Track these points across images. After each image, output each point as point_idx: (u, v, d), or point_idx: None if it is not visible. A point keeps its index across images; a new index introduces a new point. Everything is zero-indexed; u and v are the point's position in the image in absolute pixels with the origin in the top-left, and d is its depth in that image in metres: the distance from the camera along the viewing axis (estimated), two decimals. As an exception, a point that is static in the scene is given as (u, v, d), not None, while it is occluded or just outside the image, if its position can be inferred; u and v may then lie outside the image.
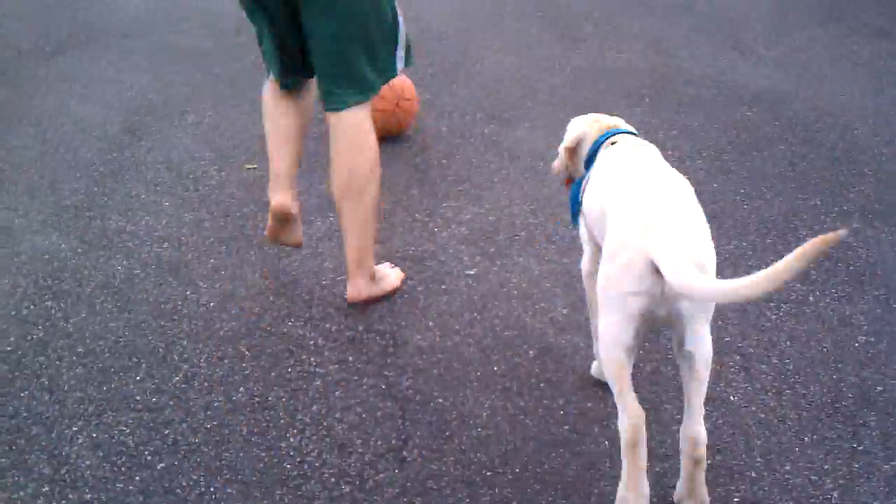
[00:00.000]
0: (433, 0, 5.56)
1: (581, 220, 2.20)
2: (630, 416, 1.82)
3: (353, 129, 2.58)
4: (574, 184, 2.25)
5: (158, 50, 4.96)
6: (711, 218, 1.94)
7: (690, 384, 1.83)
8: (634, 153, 2.09)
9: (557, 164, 2.38)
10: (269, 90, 2.72)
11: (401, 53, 2.67)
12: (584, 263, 2.25)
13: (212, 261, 2.97)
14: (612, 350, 1.83)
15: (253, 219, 3.20)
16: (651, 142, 2.15)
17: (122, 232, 3.15)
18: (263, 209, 2.99)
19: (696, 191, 1.88)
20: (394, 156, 3.56)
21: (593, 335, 2.26)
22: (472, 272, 2.87)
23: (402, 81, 3.58)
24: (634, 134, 2.23)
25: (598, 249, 2.04)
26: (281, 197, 2.68)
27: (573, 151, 2.30)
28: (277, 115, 2.70)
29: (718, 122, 3.79)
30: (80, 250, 3.04)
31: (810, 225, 3.04)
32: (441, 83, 4.37)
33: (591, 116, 2.31)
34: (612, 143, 2.16)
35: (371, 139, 2.61)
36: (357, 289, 2.69)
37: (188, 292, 2.80)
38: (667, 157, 2.09)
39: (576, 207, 2.21)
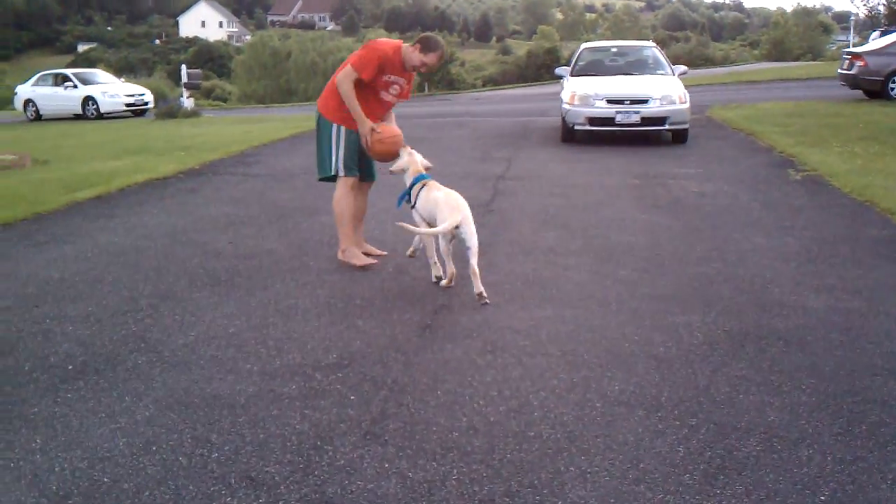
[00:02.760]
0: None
1: (414, 212, 5.64)
2: (448, 268, 5.52)
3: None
4: (403, 192, 5.75)
5: (160, 391, 3.93)
6: None
7: (470, 256, 5.20)
8: (438, 186, 5.59)
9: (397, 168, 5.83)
10: (349, 188, 6.10)
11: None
12: (419, 222, 5.59)
13: None
14: (442, 245, 5.42)
15: None
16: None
17: None
18: None
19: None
20: None
21: (428, 254, 5.71)
22: None
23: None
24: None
25: (423, 219, 5.54)
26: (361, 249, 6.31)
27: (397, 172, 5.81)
28: (356, 202, 6.19)
29: None
30: None
31: None
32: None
33: (415, 160, 5.81)
34: (425, 183, 5.62)
35: None
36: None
37: None
38: None
39: (401, 201, 5.78)
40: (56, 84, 27.77)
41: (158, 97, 29.67)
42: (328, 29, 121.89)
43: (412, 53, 5.85)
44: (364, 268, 6.03)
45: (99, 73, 30.24)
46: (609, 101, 12.92)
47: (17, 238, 7.14)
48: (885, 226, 7.18)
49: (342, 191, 6.09)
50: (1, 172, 11.80)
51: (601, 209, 8.12)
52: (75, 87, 27.20)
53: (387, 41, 5.96)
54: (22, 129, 22.75)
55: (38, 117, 27.44)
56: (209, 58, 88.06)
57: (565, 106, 13.40)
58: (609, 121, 12.91)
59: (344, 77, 5.80)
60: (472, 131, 16.02)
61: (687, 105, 12.84)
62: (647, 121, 12.79)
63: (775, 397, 3.84)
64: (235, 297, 5.39)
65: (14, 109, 29.71)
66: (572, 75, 14.47)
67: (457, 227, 5.22)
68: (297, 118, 20.99)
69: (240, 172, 10.96)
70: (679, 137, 13.13)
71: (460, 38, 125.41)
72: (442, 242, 5.41)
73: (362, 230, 6.44)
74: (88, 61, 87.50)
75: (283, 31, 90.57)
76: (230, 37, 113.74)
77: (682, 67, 14.55)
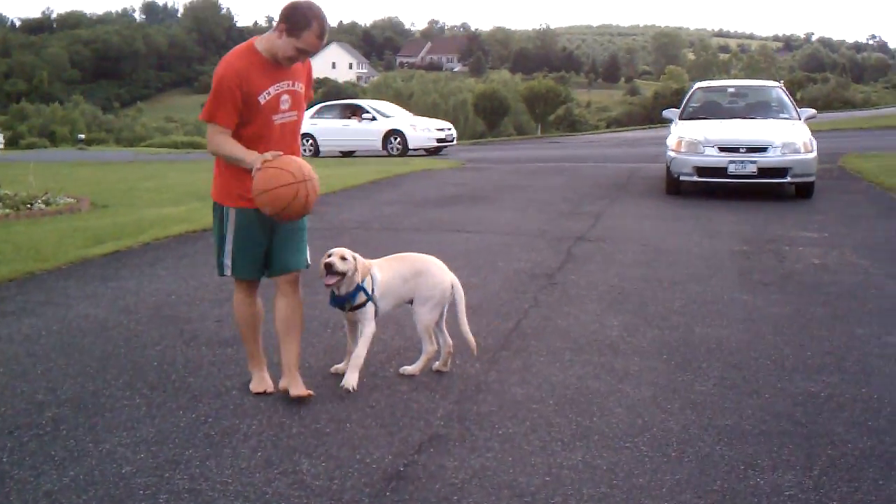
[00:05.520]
0: None
1: (368, 308, 4.26)
2: (433, 345, 4.48)
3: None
4: (352, 293, 4.24)
5: None
6: None
7: (463, 316, 4.55)
8: (383, 260, 4.50)
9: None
10: (245, 294, 4.23)
11: None
12: (374, 325, 4.32)
13: None
14: (434, 321, 4.44)
15: None
16: None
17: None
18: None
19: None
20: None
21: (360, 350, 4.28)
22: None
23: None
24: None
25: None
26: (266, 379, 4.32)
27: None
28: (255, 310, 4.27)
29: None
30: None
31: None
32: None
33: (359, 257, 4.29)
34: (369, 266, 4.34)
35: None
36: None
37: None
38: None
39: (351, 299, 4.26)
40: (345, 116, 23.79)
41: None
42: (455, 70, 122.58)
43: (277, 42, 3.89)
44: (259, 395, 4.27)
45: (388, 105, 25.88)
46: (721, 149, 11.25)
47: (-19, 306, 6.10)
48: None
49: (237, 296, 4.30)
50: (50, 217, 11.05)
51: (691, 286, 6.52)
52: (373, 119, 23.25)
53: (233, 51, 4.03)
54: (109, 168, 22.51)
55: (317, 154, 23.40)
56: (338, 98, 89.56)
57: (670, 153, 11.80)
58: (720, 171, 11.23)
59: (209, 137, 3.98)
60: (570, 179, 14.55)
61: (813, 154, 11.02)
62: (765, 172, 11.05)
63: None
64: (169, 408, 4.11)
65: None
66: (682, 118, 12.85)
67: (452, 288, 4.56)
68: (393, 161, 19.97)
69: (289, 225, 9.81)
70: (803, 192, 11.32)
71: (587, 78, 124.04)
72: (437, 314, 4.50)
73: (293, 354, 4.33)
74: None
75: (408, 72, 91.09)
76: (359, 78, 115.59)
77: (810, 111, 12.71)
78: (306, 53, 3.92)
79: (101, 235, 8.88)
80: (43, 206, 11.84)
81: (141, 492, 3.25)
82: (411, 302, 4.49)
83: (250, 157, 3.88)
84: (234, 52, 3.99)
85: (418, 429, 3.85)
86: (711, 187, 11.75)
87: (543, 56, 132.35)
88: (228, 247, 4.10)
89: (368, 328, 4.30)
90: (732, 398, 4.21)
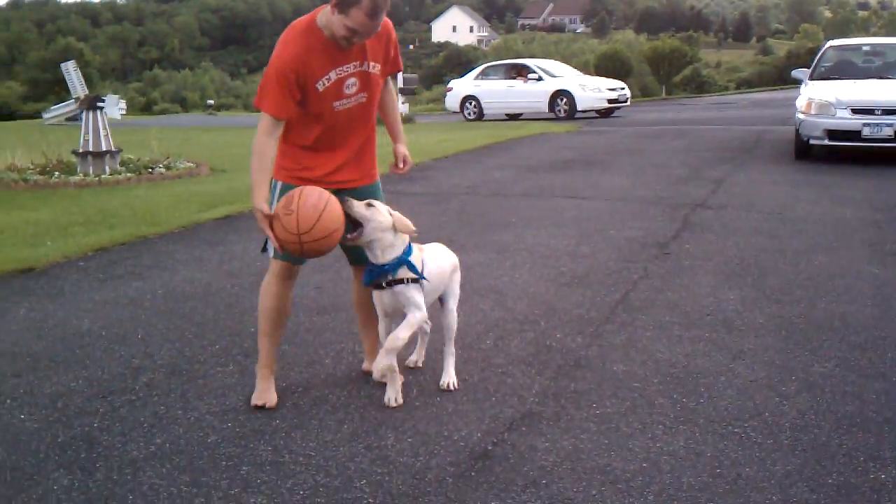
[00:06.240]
0: None
1: (419, 287, 3.51)
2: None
3: None
4: (393, 263, 3.44)
5: None
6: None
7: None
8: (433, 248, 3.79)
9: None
10: (278, 280, 3.73)
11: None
12: (424, 312, 3.54)
13: None
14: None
15: None
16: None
17: None
18: None
19: None
20: None
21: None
22: None
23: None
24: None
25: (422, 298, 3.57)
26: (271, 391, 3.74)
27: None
28: (284, 304, 3.79)
29: None
30: None
31: None
32: None
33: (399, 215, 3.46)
34: (420, 248, 3.63)
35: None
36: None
37: None
38: None
39: (394, 269, 3.47)
40: (510, 76, 22.68)
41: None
42: (578, 31, 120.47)
43: (331, 18, 3.33)
44: (257, 408, 3.69)
45: (555, 64, 24.51)
46: (855, 111, 10.55)
47: (93, 269, 6.26)
48: None
49: (268, 277, 3.79)
50: (170, 181, 11.34)
51: (817, 257, 6.11)
52: (539, 79, 21.89)
53: (292, 28, 3.47)
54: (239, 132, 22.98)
55: (480, 117, 22.79)
56: (458, 62, 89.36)
57: (799, 115, 11.16)
58: (854, 135, 10.54)
59: (258, 131, 3.44)
60: (691, 142, 14.00)
61: (959, 117, 10.22)
62: (903, 136, 10.31)
63: None
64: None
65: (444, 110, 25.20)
66: (812, 78, 12.14)
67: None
68: (510, 126, 19.67)
69: (398, 190, 9.71)
70: (947, 157, 10.53)
71: (717, 38, 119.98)
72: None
73: (377, 335, 3.84)
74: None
75: (529, 34, 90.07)
76: (479, 41, 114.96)
77: (955, 70, 11.80)
78: (360, 35, 3.34)
79: (215, 200, 9.02)
80: (163, 170, 12.15)
81: (224, 462, 3.20)
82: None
83: (258, 198, 3.37)
84: (293, 30, 3.45)
85: (511, 405, 3.68)
86: (844, 152, 11.06)
87: (670, 15, 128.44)
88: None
89: (414, 315, 3.51)
90: (855, 382, 3.87)
